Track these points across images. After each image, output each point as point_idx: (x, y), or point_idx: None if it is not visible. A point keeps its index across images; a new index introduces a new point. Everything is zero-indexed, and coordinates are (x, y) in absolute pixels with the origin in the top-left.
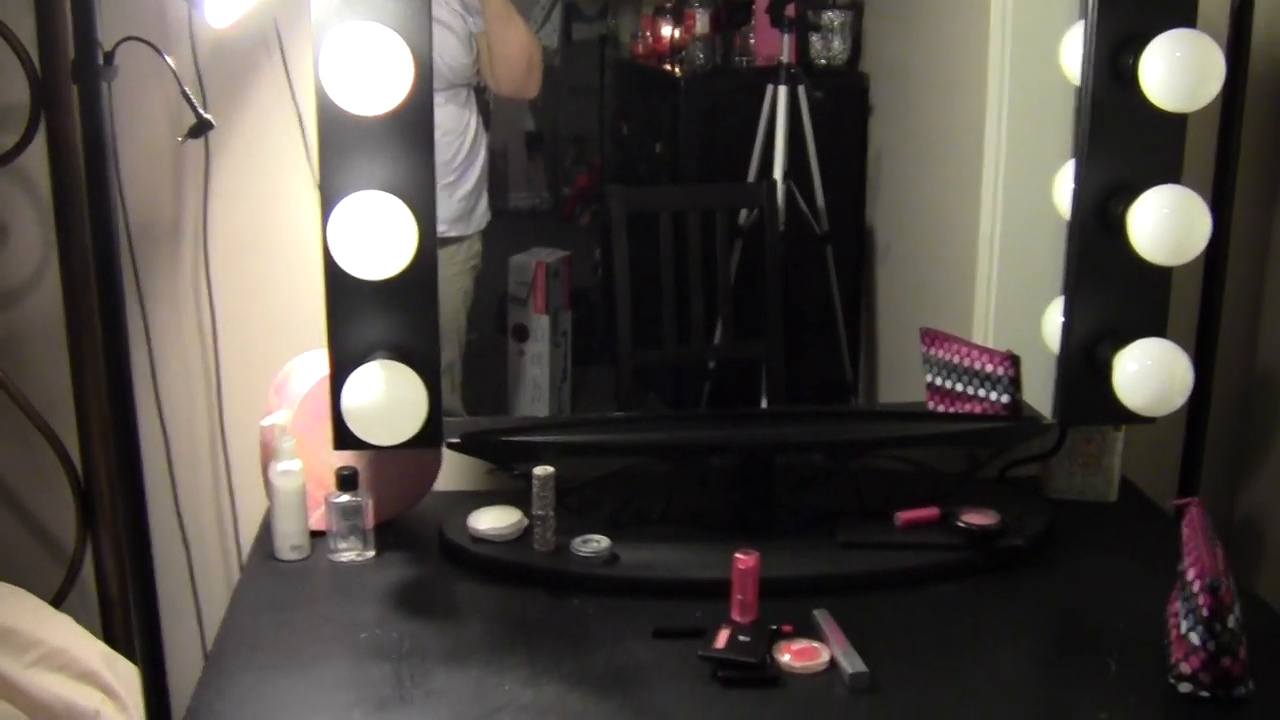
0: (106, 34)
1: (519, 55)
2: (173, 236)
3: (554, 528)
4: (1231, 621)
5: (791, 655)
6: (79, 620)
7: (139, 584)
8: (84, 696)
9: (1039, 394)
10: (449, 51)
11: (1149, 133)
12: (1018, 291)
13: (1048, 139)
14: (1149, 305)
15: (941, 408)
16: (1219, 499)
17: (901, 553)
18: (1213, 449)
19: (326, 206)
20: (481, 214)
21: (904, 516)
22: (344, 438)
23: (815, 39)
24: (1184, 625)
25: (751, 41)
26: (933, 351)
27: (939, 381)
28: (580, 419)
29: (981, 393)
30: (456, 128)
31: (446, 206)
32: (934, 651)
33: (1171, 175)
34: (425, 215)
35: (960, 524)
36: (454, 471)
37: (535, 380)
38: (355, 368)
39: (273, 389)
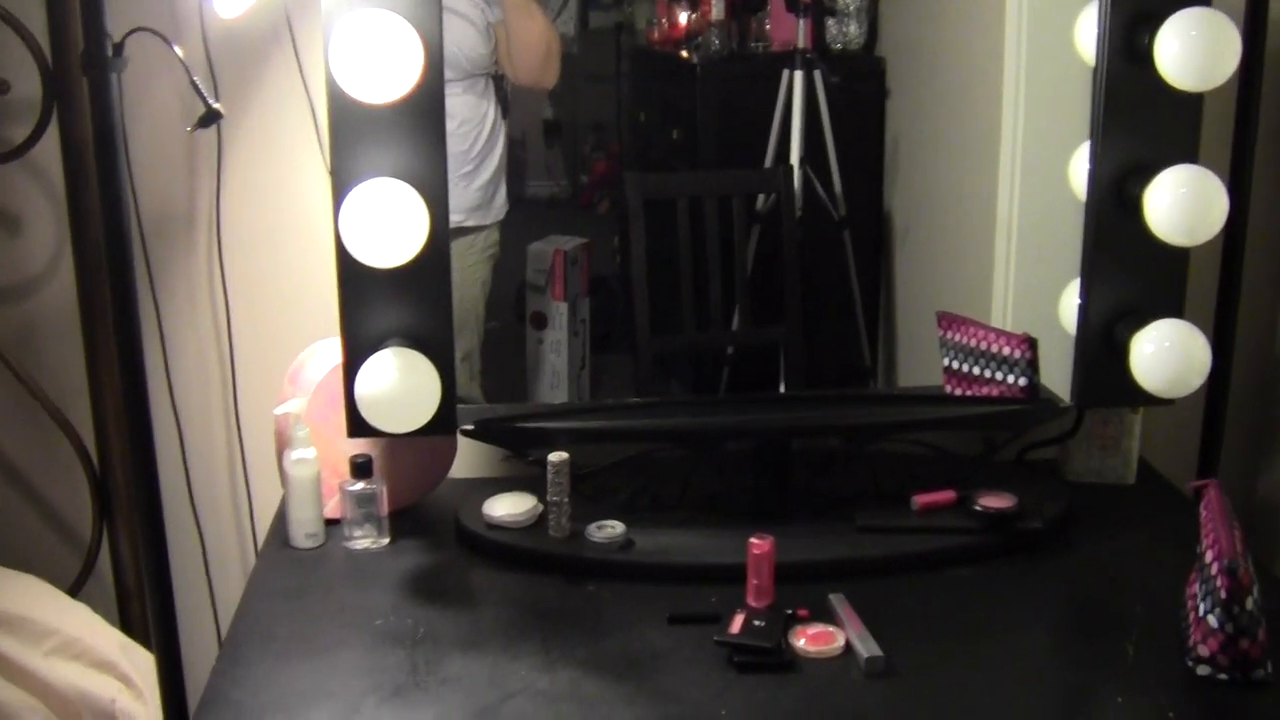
0: (116, 25)
1: (538, 45)
2: (186, 226)
3: (569, 514)
4: (1250, 604)
5: (807, 640)
6: (96, 609)
7: (154, 573)
8: (100, 685)
9: (1056, 376)
10: (467, 42)
11: (1165, 112)
12: (1035, 274)
13: (1064, 120)
14: (1166, 286)
15: (959, 391)
16: (1237, 480)
17: (918, 536)
18: (1231, 430)
19: (338, 194)
20: (500, 204)
21: (921, 500)
22: (358, 425)
23: (831, 23)
24: (1202, 607)
25: (767, 27)
26: (950, 335)
27: (956, 365)
28: (594, 405)
29: (999, 376)
30: (474, 117)
31: (464, 196)
32: (951, 636)
33: (1188, 155)
34: (437, 202)
35: (977, 507)
36: (469, 458)
37: (554, 368)
38: (369, 355)
39: (287, 377)
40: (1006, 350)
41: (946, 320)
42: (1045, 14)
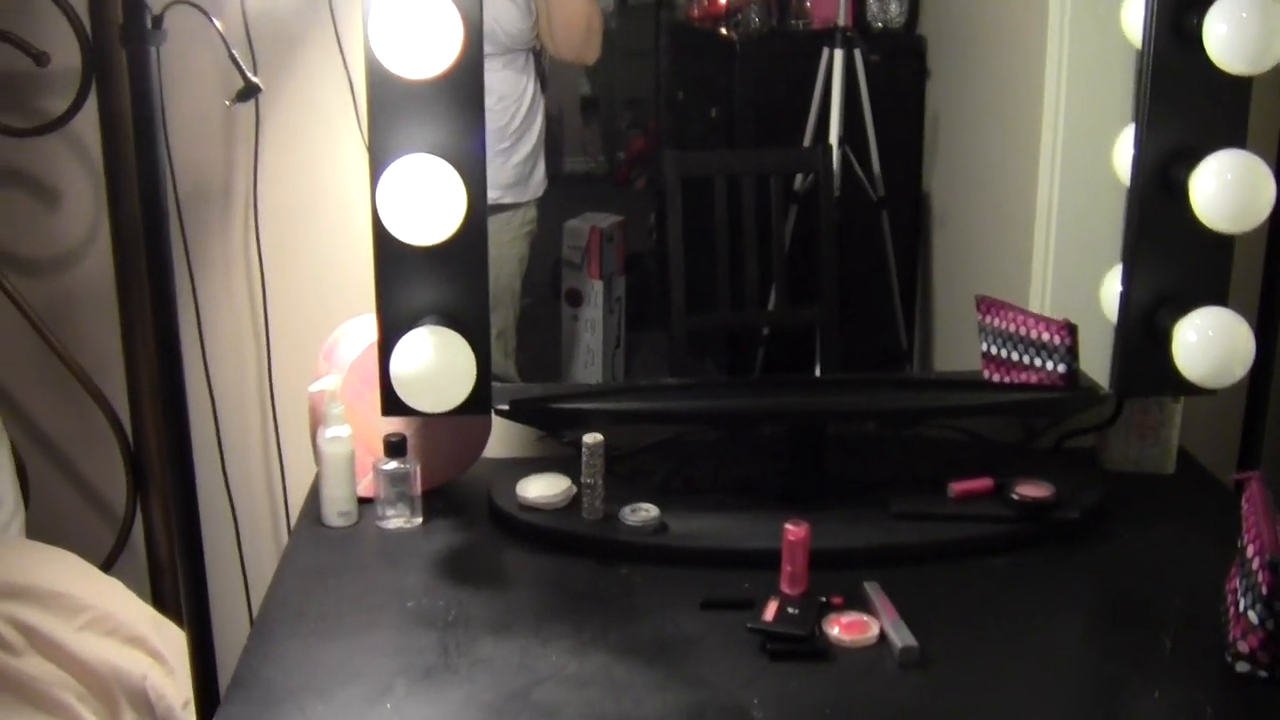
0: None
1: (579, 20)
2: (223, 201)
3: (603, 496)
4: None
5: (841, 628)
6: (128, 584)
7: (186, 549)
8: (132, 661)
9: (1096, 364)
10: (506, 17)
11: (1213, 96)
12: (1076, 259)
13: (1108, 102)
14: (1210, 273)
15: (997, 377)
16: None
17: (954, 524)
18: (1274, 422)
19: (375, 171)
20: (539, 181)
21: (957, 487)
22: (392, 404)
23: (872, 1)
24: (1242, 603)
25: (808, 4)
26: (989, 320)
27: (995, 350)
28: (629, 386)
29: (1038, 362)
30: (513, 93)
31: (502, 172)
32: (986, 626)
33: (1236, 140)
34: (475, 179)
35: (1014, 496)
36: (504, 438)
37: (589, 346)
38: (404, 333)
39: (321, 353)
40: (1046, 336)
41: (986, 304)
42: None
